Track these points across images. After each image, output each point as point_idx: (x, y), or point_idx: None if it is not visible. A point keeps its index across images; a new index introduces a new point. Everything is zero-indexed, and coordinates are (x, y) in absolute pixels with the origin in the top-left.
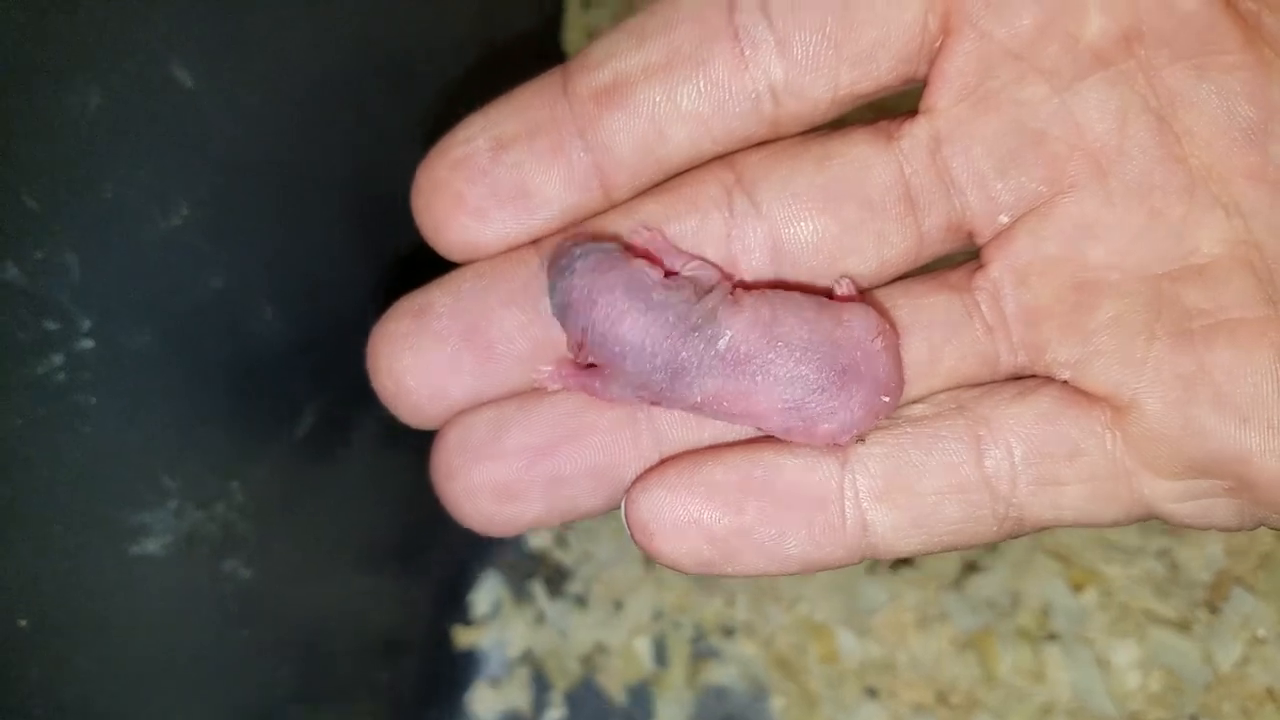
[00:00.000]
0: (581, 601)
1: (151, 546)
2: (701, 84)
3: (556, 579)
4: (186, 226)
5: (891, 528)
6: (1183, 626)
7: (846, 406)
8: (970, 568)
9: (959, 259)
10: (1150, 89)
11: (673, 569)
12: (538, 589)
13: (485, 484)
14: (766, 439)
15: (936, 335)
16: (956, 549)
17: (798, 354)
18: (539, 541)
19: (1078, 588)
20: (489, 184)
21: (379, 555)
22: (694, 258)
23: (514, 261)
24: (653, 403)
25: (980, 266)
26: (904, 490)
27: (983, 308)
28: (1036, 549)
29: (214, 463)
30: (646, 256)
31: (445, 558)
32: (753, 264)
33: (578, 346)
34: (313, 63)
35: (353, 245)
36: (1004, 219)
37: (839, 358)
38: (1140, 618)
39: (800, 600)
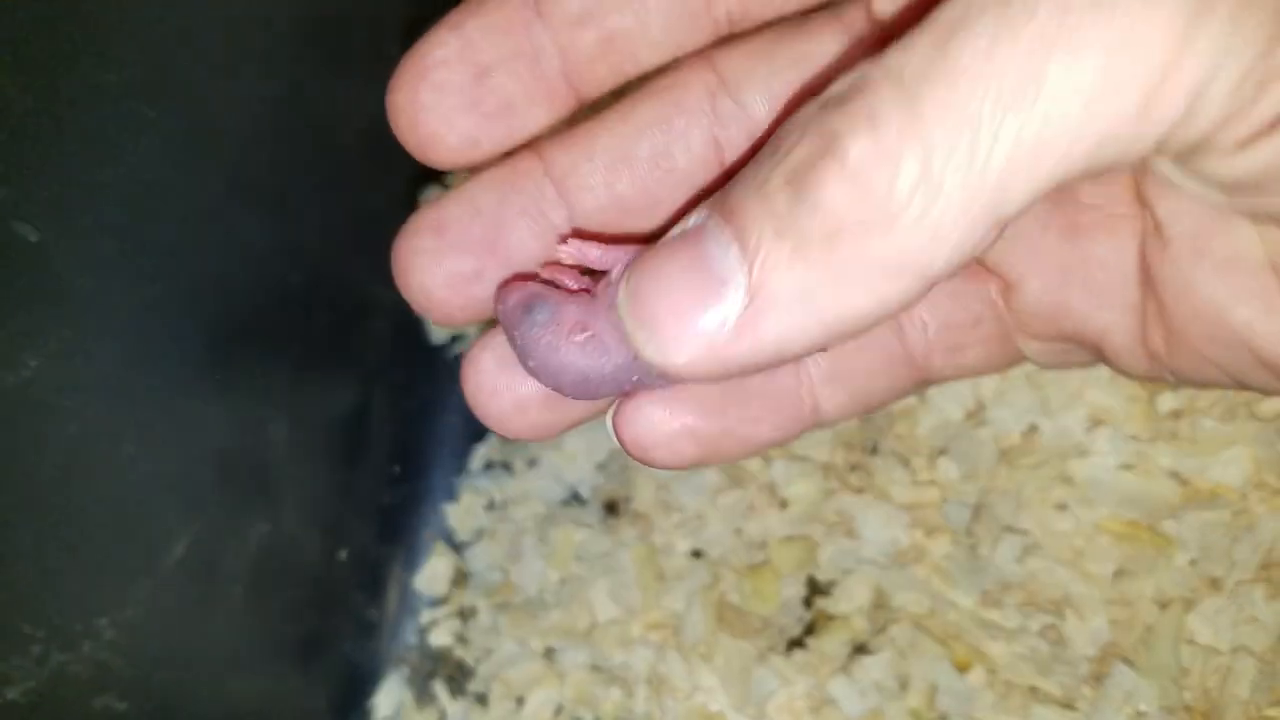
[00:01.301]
0: (482, 700)
1: (12, 694)
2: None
3: (459, 677)
4: (36, 379)
5: (836, 404)
6: (1067, 704)
7: None
8: (859, 650)
9: None
10: None
11: (662, 469)
12: (439, 689)
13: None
14: None
15: None
16: (882, 408)
17: None
18: (440, 640)
19: (963, 668)
20: (476, 107)
21: (273, 665)
22: (621, 244)
23: (519, 174)
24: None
25: None
26: (845, 374)
27: None
28: (921, 630)
29: (78, 603)
30: (577, 266)
31: (344, 661)
32: (739, 156)
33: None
34: (177, 206)
35: (218, 369)
36: None
37: None
38: (1025, 696)
39: (696, 691)
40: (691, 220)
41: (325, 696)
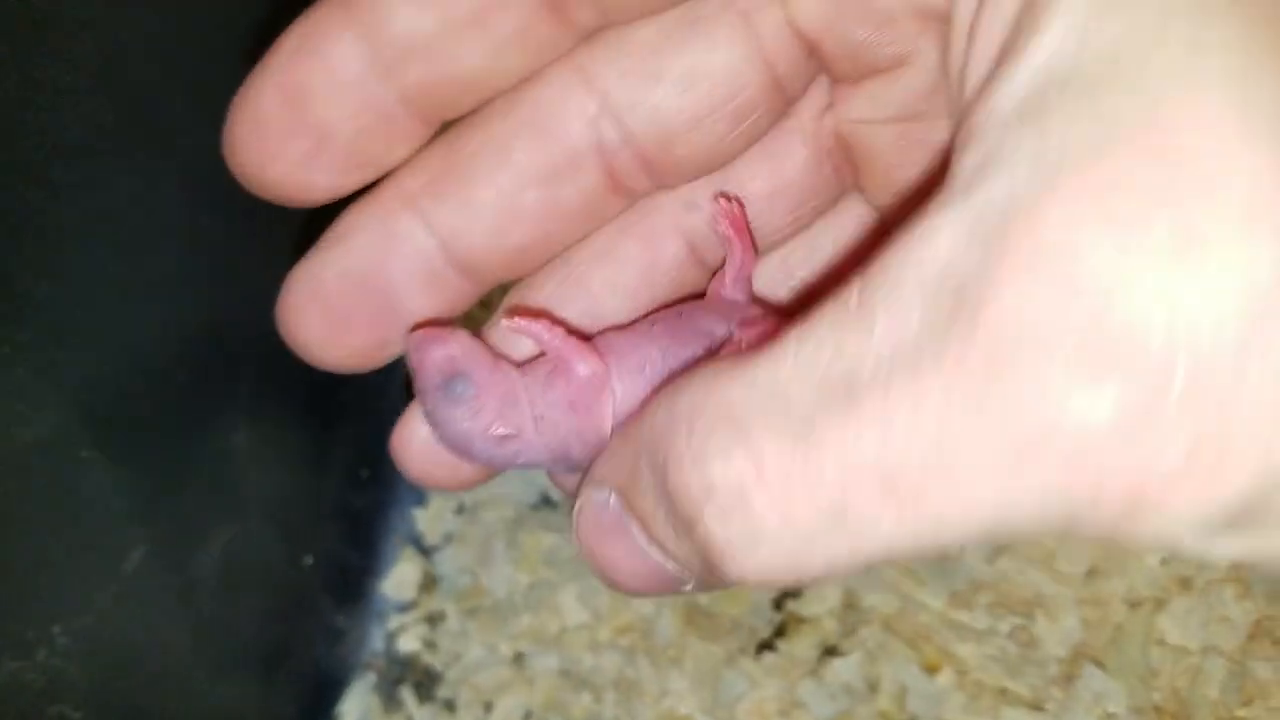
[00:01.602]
0: (450, 706)
1: None
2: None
3: (427, 683)
4: None
5: None
6: (1036, 705)
7: None
8: (829, 652)
9: None
10: None
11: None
12: (407, 695)
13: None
14: None
15: None
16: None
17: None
18: (408, 646)
19: (932, 670)
20: (301, 139)
21: (238, 672)
22: (562, 330)
23: (398, 236)
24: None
25: None
26: None
27: None
28: (890, 632)
29: (31, 610)
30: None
31: (311, 668)
32: (636, 183)
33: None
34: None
35: (177, 372)
36: None
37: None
38: (994, 697)
39: (666, 695)
40: (601, 496)
41: (292, 703)
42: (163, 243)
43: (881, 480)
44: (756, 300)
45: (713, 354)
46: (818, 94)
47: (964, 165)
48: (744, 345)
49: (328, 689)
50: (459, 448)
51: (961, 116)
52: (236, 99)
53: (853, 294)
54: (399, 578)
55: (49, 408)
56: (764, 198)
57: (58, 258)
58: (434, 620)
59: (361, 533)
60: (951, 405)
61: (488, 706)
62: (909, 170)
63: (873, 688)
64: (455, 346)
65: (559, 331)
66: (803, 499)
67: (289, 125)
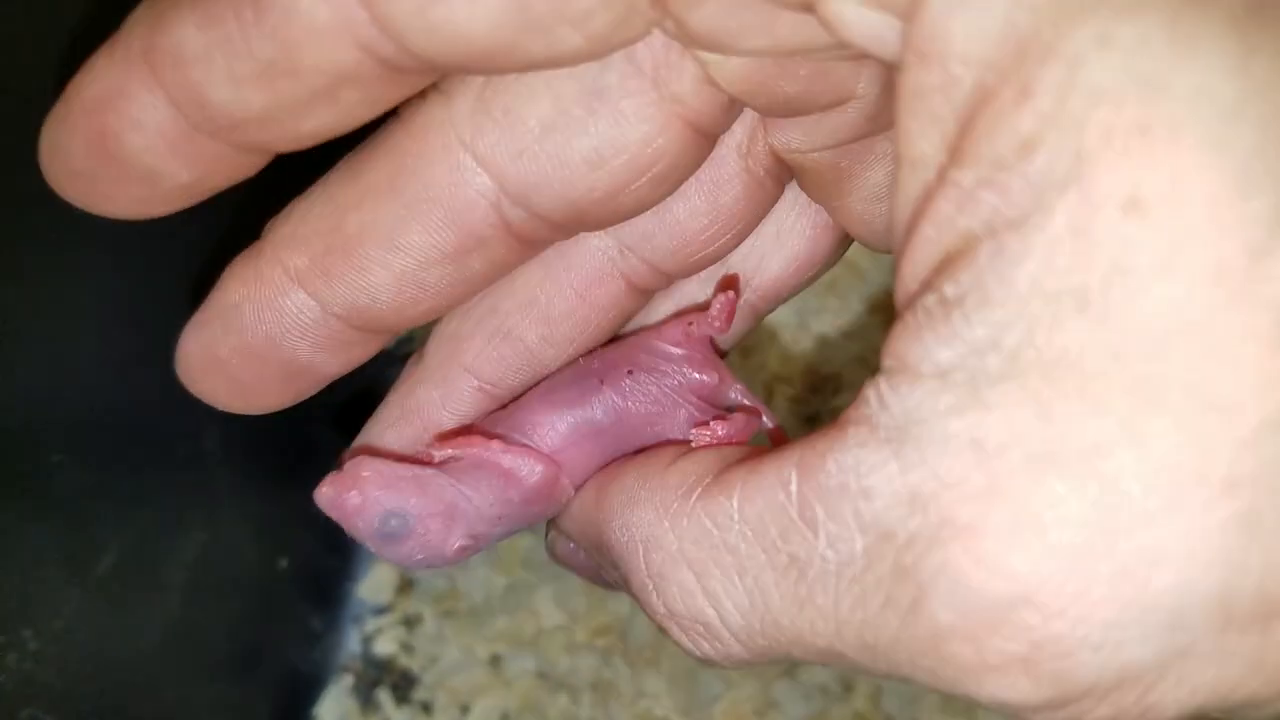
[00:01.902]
0: (427, 708)
1: None
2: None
3: (404, 686)
4: None
5: None
6: None
7: None
8: None
9: None
10: None
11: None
12: (384, 697)
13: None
14: None
15: None
16: None
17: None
18: (385, 648)
19: None
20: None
21: (213, 676)
22: (482, 440)
23: (288, 315)
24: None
25: None
26: None
27: None
28: None
29: (0, 615)
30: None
31: (287, 671)
32: (549, 238)
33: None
34: None
35: (148, 371)
36: None
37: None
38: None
39: (642, 696)
40: (570, 545)
41: (268, 706)
42: (133, 239)
43: (841, 657)
44: (707, 360)
45: (661, 434)
46: (747, 119)
47: (891, 409)
48: (702, 440)
49: (304, 691)
50: (393, 560)
51: (900, 307)
52: (43, 133)
53: (790, 483)
54: (375, 581)
55: (16, 409)
56: (705, 229)
57: (22, 254)
58: (411, 623)
59: (337, 536)
60: (898, 649)
61: (464, 709)
62: (855, 178)
63: (848, 688)
64: (371, 485)
65: (495, 447)
66: (766, 648)
67: (106, 174)
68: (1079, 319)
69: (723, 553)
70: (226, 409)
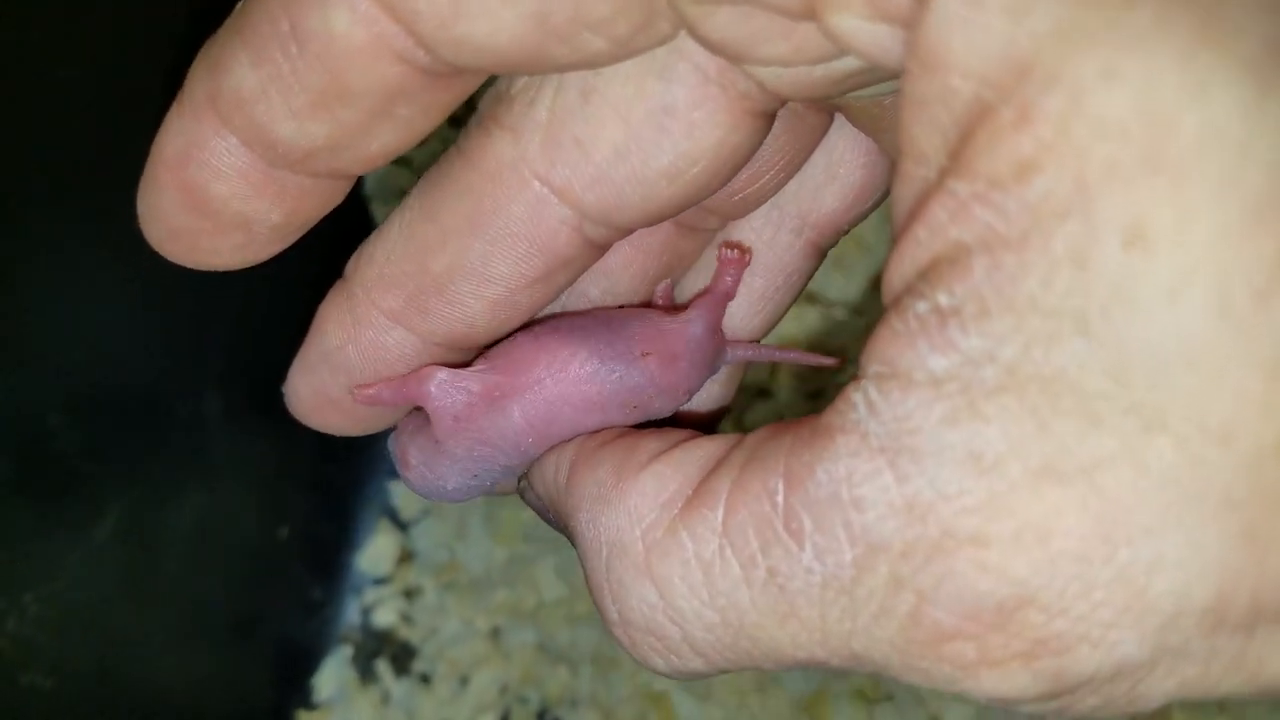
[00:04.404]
0: (426, 680)
1: None
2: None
3: (403, 657)
4: None
5: None
6: None
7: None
8: None
9: None
10: None
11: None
12: (383, 668)
13: None
14: None
15: None
16: None
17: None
18: (385, 619)
19: None
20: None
21: (211, 643)
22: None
23: (381, 349)
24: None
25: None
26: None
27: None
28: None
29: (1, 579)
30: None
31: (286, 640)
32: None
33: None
34: None
35: (150, 337)
36: None
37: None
38: None
39: (641, 670)
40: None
41: (266, 675)
42: (131, 206)
43: (825, 665)
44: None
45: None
46: None
47: (881, 418)
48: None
49: (303, 661)
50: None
51: (887, 301)
52: (139, 198)
53: (776, 494)
54: (375, 551)
55: (16, 371)
56: (747, 170)
57: (23, 218)
58: (411, 594)
59: (337, 505)
60: (892, 656)
61: (464, 680)
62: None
63: None
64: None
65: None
66: (730, 656)
67: (203, 227)
68: (1078, 339)
69: (694, 569)
70: (348, 435)
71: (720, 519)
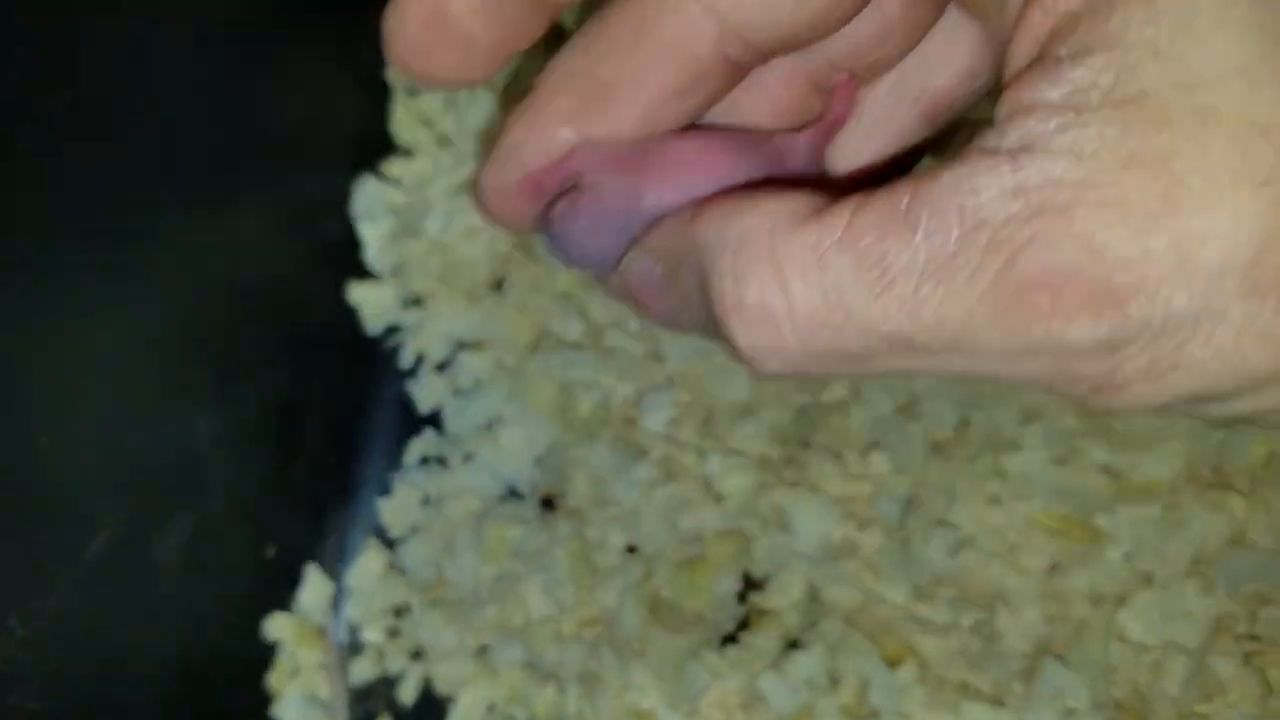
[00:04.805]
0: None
1: None
2: None
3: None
4: None
5: None
6: (997, 700)
7: None
8: (791, 645)
9: None
10: None
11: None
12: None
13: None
14: None
15: None
16: None
17: None
18: (370, 637)
19: (894, 663)
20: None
21: (200, 663)
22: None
23: (555, 144)
24: None
25: None
26: None
27: None
28: (852, 626)
29: None
30: None
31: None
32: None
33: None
34: None
35: (140, 356)
36: None
37: None
38: (956, 691)
39: (628, 689)
40: (648, 264)
41: (257, 693)
42: (121, 223)
43: (904, 344)
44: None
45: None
46: None
47: (1008, 136)
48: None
49: None
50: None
51: (1008, 80)
52: (385, 20)
53: (904, 197)
54: (362, 569)
55: (4, 393)
56: (872, 34)
57: (10, 246)
58: (398, 612)
59: (325, 523)
60: (974, 315)
61: (450, 699)
62: None
63: (834, 681)
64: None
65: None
66: (824, 342)
67: (437, 43)
68: (1153, 63)
69: (811, 254)
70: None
71: (846, 218)
